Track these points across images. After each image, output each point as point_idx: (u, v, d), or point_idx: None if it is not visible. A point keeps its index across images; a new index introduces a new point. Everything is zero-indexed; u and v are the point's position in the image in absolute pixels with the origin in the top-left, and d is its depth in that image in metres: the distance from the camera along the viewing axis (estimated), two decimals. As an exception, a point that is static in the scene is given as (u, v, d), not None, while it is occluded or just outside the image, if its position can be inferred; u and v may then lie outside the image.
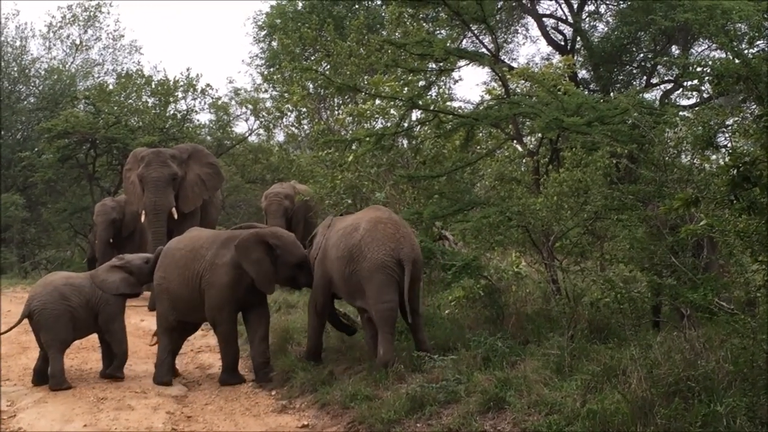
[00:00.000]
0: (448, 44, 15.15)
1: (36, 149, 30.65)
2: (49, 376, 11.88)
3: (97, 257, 21.87)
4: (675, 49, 25.41)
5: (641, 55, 26.00)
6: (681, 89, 23.31)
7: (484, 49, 17.12)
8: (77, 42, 35.84)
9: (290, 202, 19.89)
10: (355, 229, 11.47)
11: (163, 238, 18.63)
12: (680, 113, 12.87)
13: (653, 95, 24.21)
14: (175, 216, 19.06)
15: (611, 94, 22.70)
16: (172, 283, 12.62)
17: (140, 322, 15.88)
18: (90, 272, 12.96)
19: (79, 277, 12.69)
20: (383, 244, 11.02)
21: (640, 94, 15.26)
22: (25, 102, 33.83)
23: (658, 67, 24.82)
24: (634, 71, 26.22)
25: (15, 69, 33.47)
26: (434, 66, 15.32)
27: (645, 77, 25.61)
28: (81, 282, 12.41)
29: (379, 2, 29.70)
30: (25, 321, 12.21)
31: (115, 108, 28.71)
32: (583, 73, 26.39)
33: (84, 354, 13.41)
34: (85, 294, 12.24)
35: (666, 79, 25.47)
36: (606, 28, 26.59)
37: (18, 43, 34.09)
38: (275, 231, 12.92)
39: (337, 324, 12.86)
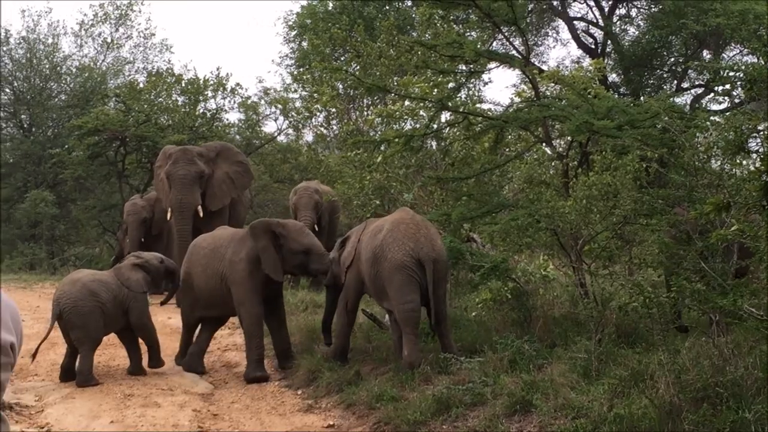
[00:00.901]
0: (478, 46, 15.10)
1: (66, 146, 30.80)
2: (76, 372, 11.95)
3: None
4: (706, 54, 25.31)
5: (672, 59, 25.89)
6: (712, 94, 23.17)
7: (514, 52, 17.06)
8: (108, 40, 36.05)
9: (320, 198, 19.88)
10: (379, 230, 11.57)
11: (188, 235, 18.68)
12: (711, 118, 12.76)
13: (684, 99, 24.13)
14: (201, 214, 19.04)
15: (641, 98, 22.59)
16: (195, 279, 13.14)
17: (167, 320, 15.94)
18: (113, 269, 13.04)
19: (104, 274, 12.78)
20: (403, 244, 11.06)
21: (671, 98, 15.16)
22: (56, 99, 34.04)
23: (689, 71, 24.72)
24: (665, 75, 26.12)
25: (47, 66, 33.68)
26: (464, 68, 15.27)
27: (676, 81, 25.51)
28: (107, 279, 12.50)
29: (409, 3, 29.70)
30: (47, 312, 12.31)
31: (145, 106, 28.81)
32: (613, 77, 26.31)
33: (111, 350, 13.48)
34: (113, 290, 12.32)
35: (697, 83, 25.39)
36: (637, 32, 26.53)
37: (50, 41, 34.31)
38: (281, 220, 13.39)
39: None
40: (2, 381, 1.95)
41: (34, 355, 12.17)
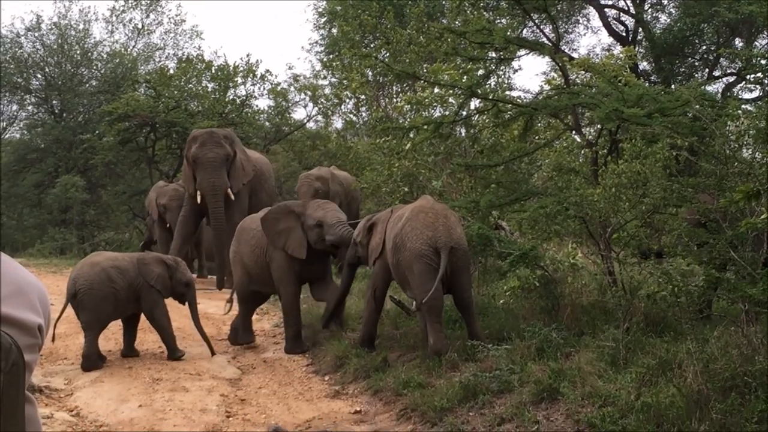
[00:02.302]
0: (508, 33, 15.05)
1: (97, 132, 30.95)
2: (83, 356, 12.00)
3: (155, 240, 22.07)
4: (738, 42, 25.10)
5: (704, 47, 25.69)
6: (744, 82, 22.98)
7: (544, 39, 16.99)
8: (139, 26, 36.19)
9: (322, 184, 19.72)
10: (400, 219, 11.62)
11: (222, 218, 18.80)
12: (742, 106, 12.68)
13: (715, 88, 23.94)
14: (232, 197, 19.01)
15: (672, 86, 22.44)
16: (244, 257, 13.91)
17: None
18: (138, 255, 13.09)
19: (124, 259, 12.76)
20: (421, 233, 11.07)
21: (702, 87, 15.06)
22: (87, 85, 34.19)
23: (721, 59, 24.54)
24: (696, 63, 25.93)
25: (78, 52, 33.82)
26: (494, 55, 15.22)
27: (707, 69, 25.31)
28: (126, 264, 12.50)
29: (440, -10, 29.61)
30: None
31: (175, 92, 28.90)
32: (644, 65, 26.16)
33: (140, 335, 13.55)
34: (129, 277, 12.35)
35: (729, 71, 25.18)
36: (668, 20, 26.30)
37: (81, 27, 34.46)
38: (305, 201, 14.46)
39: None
40: (30, 362, 1.95)
41: (53, 338, 12.28)
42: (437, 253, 10.94)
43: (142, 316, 12.74)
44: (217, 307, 15.41)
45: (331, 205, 13.89)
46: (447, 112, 16.40)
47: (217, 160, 18.88)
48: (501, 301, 12.79)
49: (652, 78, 25.61)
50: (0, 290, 1.91)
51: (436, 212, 11.39)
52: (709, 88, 21.85)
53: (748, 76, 20.52)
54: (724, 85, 24.53)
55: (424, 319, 11.41)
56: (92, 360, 11.94)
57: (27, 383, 1.92)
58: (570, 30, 28.46)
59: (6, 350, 1.83)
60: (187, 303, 13.02)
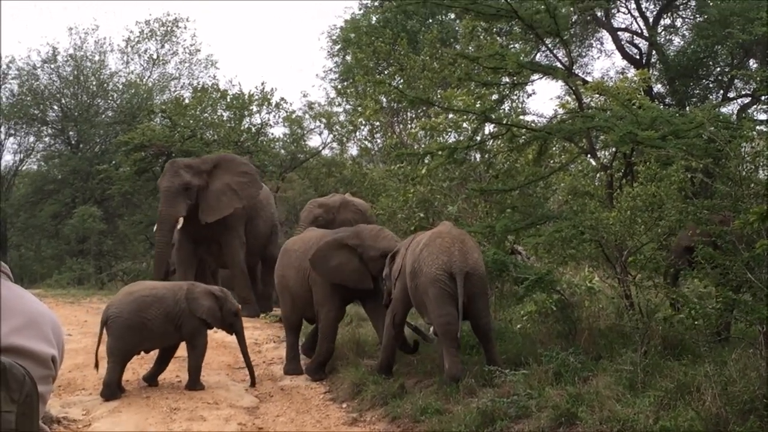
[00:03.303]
0: (521, 58, 15.07)
1: (113, 162, 31.06)
2: (103, 384, 11.97)
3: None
4: (753, 63, 25.06)
5: (718, 69, 25.68)
6: (758, 103, 22.94)
7: (558, 63, 17.01)
8: (154, 56, 36.35)
9: (324, 211, 19.54)
10: (417, 244, 11.63)
11: (165, 247, 18.79)
12: (757, 127, 12.65)
13: (730, 109, 23.91)
14: (179, 226, 18.68)
15: (687, 108, 22.41)
16: (290, 281, 13.73)
17: (213, 334, 15.98)
18: (187, 285, 12.96)
19: (164, 288, 12.73)
20: (436, 258, 11.06)
21: (716, 108, 15.04)
22: (103, 116, 34.34)
23: (735, 80, 24.51)
24: (711, 85, 25.92)
25: (94, 83, 34.01)
26: (507, 80, 15.25)
27: (722, 91, 25.29)
28: (164, 293, 12.44)
29: (452, 16, 29.71)
30: (95, 327, 12.36)
31: (191, 121, 28.99)
32: (658, 87, 26.14)
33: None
34: (165, 306, 12.25)
35: (743, 93, 25.15)
36: (682, 42, 26.32)
37: (97, 58, 34.65)
38: (356, 230, 13.74)
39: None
40: (44, 393, 1.97)
41: (96, 365, 12.25)
42: (452, 278, 10.90)
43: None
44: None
45: (386, 233, 13.48)
46: (461, 138, 16.43)
47: (171, 189, 18.68)
48: (518, 326, 12.76)
49: (667, 100, 25.60)
50: (12, 321, 1.93)
51: (453, 237, 11.36)
52: (724, 109, 21.81)
53: (762, 97, 20.51)
54: (739, 107, 24.50)
55: (441, 345, 11.40)
56: (112, 389, 11.90)
57: (41, 414, 1.94)
58: (584, 53, 28.51)
59: (20, 382, 1.85)
60: (235, 333, 13.00)
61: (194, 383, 12.41)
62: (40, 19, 50.99)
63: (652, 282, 11.33)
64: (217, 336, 15.51)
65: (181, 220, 18.59)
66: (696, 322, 9.42)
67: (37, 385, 1.91)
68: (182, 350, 12.75)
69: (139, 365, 13.03)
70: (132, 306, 12.08)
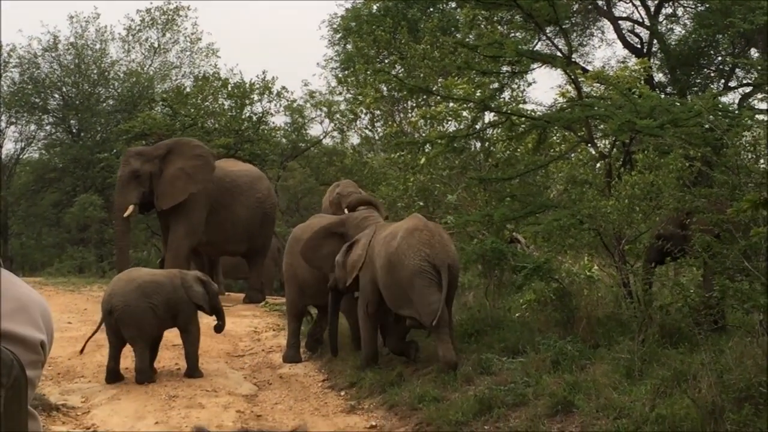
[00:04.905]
0: (520, 46, 15.07)
1: (114, 150, 31.01)
2: (136, 370, 12.02)
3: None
4: (754, 52, 25.02)
5: (719, 57, 25.65)
6: (759, 92, 22.91)
7: (557, 52, 17.01)
8: (155, 45, 36.30)
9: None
10: (393, 237, 11.60)
11: (122, 236, 19.13)
12: (756, 116, 12.66)
13: (731, 98, 23.87)
14: (127, 213, 18.70)
15: (688, 97, 22.40)
16: (298, 269, 13.65)
17: (212, 322, 16.02)
18: (180, 273, 13.00)
19: (162, 275, 12.80)
20: (419, 250, 11.14)
21: (716, 97, 15.05)
22: (104, 104, 34.30)
23: (737, 69, 24.48)
24: (712, 74, 25.88)
25: (95, 72, 33.96)
26: (507, 68, 15.25)
27: (723, 80, 25.26)
28: (163, 280, 12.51)
29: (453, 5, 29.66)
30: (95, 314, 12.38)
31: (192, 110, 28.95)
32: (660, 77, 26.11)
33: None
34: (165, 293, 12.31)
35: (745, 82, 25.12)
36: (683, 31, 26.25)
37: (98, 46, 34.58)
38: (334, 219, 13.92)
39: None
40: (32, 378, 1.99)
41: (82, 350, 12.34)
42: (435, 269, 11.03)
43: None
44: (233, 323, 15.42)
45: (371, 220, 13.24)
46: (461, 126, 16.44)
47: (122, 177, 18.67)
48: (516, 315, 12.78)
49: (668, 89, 25.56)
50: (0, 306, 1.95)
51: (431, 230, 11.51)
52: (725, 98, 21.79)
53: (764, 86, 20.51)
54: (740, 96, 24.47)
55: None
56: (146, 373, 11.99)
57: (30, 399, 1.96)
58: (585, 43, 28.41)
59: (8, 366, 1.87)
60: (216, 313, 13.06)
61: (193, 370, 12.47)
62: (40, 8, 50.91)
63: (630, 267, 11.40)
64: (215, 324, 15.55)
65: (131, 207, 18.50)
66: (700, 311, 9.42)
67: (26, 369, 1.92)
68: (180, 338, 12.77)
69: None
70: (137, 293, 12.11)
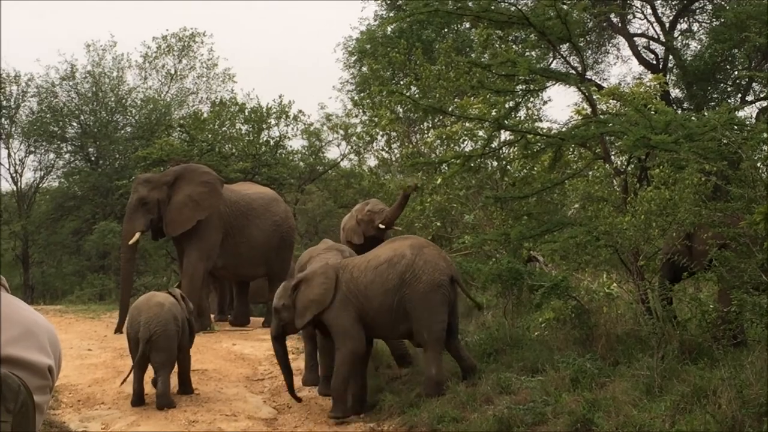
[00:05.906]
0: (533, 64, 15.09)
1: (133, 177, 31.15)
2: (159, 395, 12.02)
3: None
4: (770, 66, 24.99)
5: (735, 72, 25.62)
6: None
7: (571, 69, 17.01)
8: (172, 71, 36.51)
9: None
10: (401, 256, 11.46)
11: (127, 264, 18.90)
12: (771, 130, 12.60)
13: (748, 112, 23.83)
14: (131, 241, 18.38)
15: (705, 112, 22.37)
16: None
17: (232, 347, 16.03)
18: (176, 293, 13.05)
19: (171, 297, 12.87)
20: (436, 264, 11.25)
21: (731, 111, 15.03)
22: (122, 131, 34.46)
23: (753, 84, 24.45)
24: (729, 89, 25.84)
25: (112, 99, 34.15)
26: (521, 87, 15.26)
27: (740, 95, 25.23)
28: (176, 302, 12.62)
29: (468, 25, 29.73)
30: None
31: (209, 135, 29.08)
32: (676, 92, 26.12)
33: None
34: (181, 315, 12.45)
35: (762, 96, 25.07)
36: (699, 46, 26.27)
37: (115, 74, 34.79)
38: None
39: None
40: (40, 404, 2.00)
41: (124, 380, 12.35)
42: (450, 282, 11.20)
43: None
44: (252, 347, 15.44)
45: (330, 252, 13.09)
46: (477, 146, 16.45)
47: (130, 205, 18.60)
48: (535, 333, 12.75)
49: (685, 105, 25.56)
50: (7, 332, 1.97)
51: (434, 246, 11.82)
52: (742, 112, 21.75)
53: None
54: (758, 110, 24.41)
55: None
56: (168, 398, 12.02)
57: (39, 424, 1.97)
58: (600, 60, 28.45)
59: (14, 391, 1.88)
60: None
61: (187, 388, 12.59)
62: (57, 37, 51.23)
63: (648, 284, 11.39)
64: (235, 348, 15.58)
65: (137, 235, 18.47)
66: (720, 326, 9.37)
67: (34, 395, 1.93)
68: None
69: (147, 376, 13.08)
70: (169, 317, 12.17)
